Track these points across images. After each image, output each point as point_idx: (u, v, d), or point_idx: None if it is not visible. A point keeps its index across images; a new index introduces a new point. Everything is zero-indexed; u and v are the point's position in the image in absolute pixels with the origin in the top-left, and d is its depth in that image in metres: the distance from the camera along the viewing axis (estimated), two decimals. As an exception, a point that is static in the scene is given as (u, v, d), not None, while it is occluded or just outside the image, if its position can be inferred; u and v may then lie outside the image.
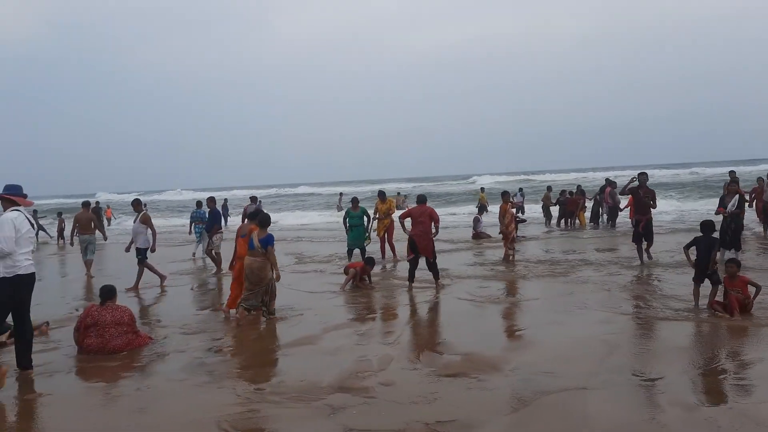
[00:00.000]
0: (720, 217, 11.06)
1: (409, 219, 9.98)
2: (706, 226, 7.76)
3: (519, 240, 15.04)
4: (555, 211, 21.62)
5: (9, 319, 6.14)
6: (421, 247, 9.63)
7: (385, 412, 4.54)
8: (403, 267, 11.97)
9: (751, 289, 7.14)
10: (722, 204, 11.42)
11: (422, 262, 9.81)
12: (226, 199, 32.32)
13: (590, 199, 21.05)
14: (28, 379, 5.69)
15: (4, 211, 5.86)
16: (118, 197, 67.06)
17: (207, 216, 13.69)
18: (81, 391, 5.49)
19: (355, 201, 13.48)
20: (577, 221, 20.42)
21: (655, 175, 40.84)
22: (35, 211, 26.82)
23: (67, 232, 21.12)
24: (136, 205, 11.56)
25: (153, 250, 10.94)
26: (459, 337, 6.71)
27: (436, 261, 9.85)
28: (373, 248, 13.49)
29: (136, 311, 8.63)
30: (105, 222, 28.21)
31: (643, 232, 11.03)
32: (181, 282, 11.63)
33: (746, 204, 12.54)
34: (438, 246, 10.37)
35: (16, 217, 5.73)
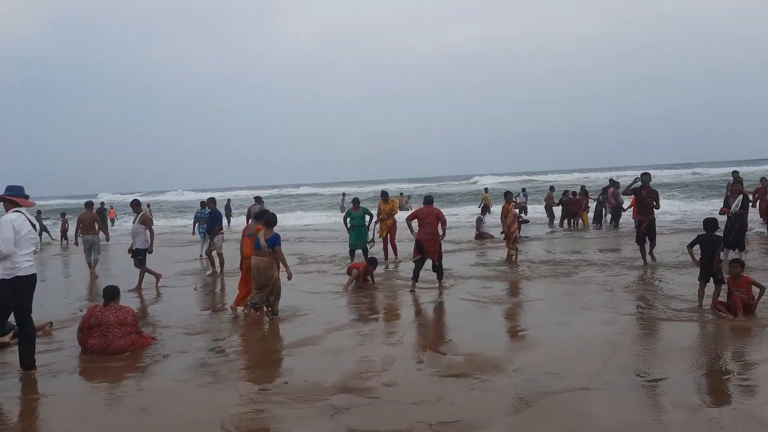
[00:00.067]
0: (724, 217, 11.03)
1: (415, 220, 9.96)
2: (709, 224, 7.75)
3: (522, 240, 15.03)
4: (558, 211, 21.59)
5: (13, 319, 6.15)
6: (428, 250, 9.63)
7: (388, 412, 4.54)
8: (406, 267, 11.98)
9: (755, 290, 7.12)
10: (726, 204, 11.39)
11: (428, 262, 9.81)
12: (229, 200, 32.34)
13: (593, 200, 21.03)
14: (32, 379, 5.70)
15: (6, 212, 5.83)
16: (120, 197, 67.14)
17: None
18: (84, 392, 5.50)
19: (356, 202, 13.48)
20: (581, 222, 20.40)
21: (658, 176, 40.75)
22: (39, 212, 26.86)
23: (70, 233, 21.21)
24: (135, 205, 11.58)
25: (150, 251, 10.96)
26: (462, 337, 6.71)
27: (442, 262, 9.85)
28: (375, 249, 13.49)
29: (139, 312, 8.65)
30: (109, 223, 28.22)
31: (645, 232, 11.02)
32: (184, 282, 11.64)
33: (750, 204, 12.50)
34: (442, 246, 10.35)
35: (15, 218, 5.68)
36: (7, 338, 6.79)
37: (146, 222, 11.03)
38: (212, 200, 13.40)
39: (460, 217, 27.39)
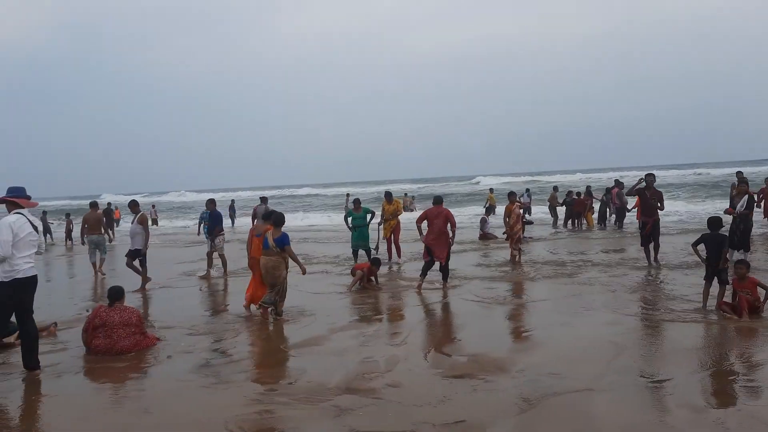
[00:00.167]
0: (729, 218, 11.00)
1: (425, 222, 9.89)
2: (713, 222, 7.73)
3: (526, 241, 15.01)
4: (561, 211, 21.55)
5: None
6: (437, 254, 9.60)
7: (392, 413, 4.54)
8: (409, 268, 11.99)
9: (761, 291, 7.09)
10: (732, 205, 11.35)
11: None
12: (233, 200, 32.42)
13: (597, 200, 21.00)
14: (35, 379, 5.72)
15: (9, 213, 5.82)
16: (124, 198, 67.32)
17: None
18: (89, 392, 5.51)
19: (356, 202, 13.49)
20: (584, 222, 20.37)
21: (661, 176, 40.66)
22: (44, 212, 26.95)
23: (75, 233, 21.28)
24: (133, 206, 11.60)
25: (143, 253, 10.97)
26: (466, 338, 6.71)
27: (449, 264, 9.85)
28: (379, 249, 13.49)
29: (143, 312, 8.68)
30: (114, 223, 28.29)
31: (649, 233, 10.99)
32: (189, 283, 11.66)
33: (755, 205, 12.46)
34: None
35: (15, 220, 5.65)
36: (12, 338, 6.81)
37: (143, 222, 11.07)
38: (212, 201, 13.38)
39: (463, 217, 27.37)
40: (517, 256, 12.39)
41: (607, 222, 20.39)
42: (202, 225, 15.45)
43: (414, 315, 8.13)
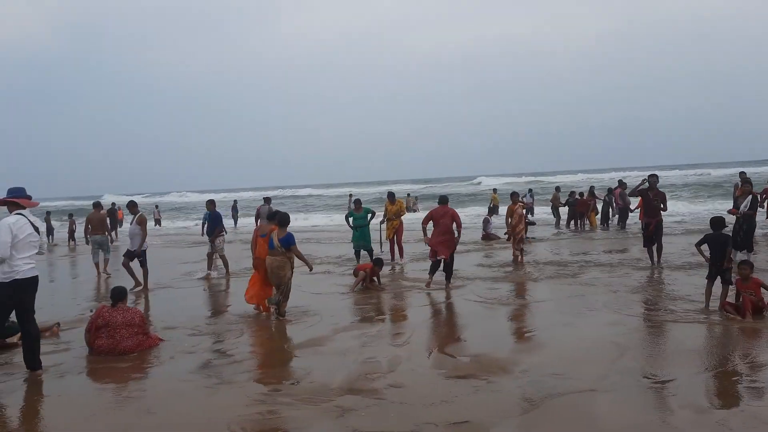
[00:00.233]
0: (732, 218, 10.97)
1: (430, 222, 9.86)
2: (716, 222, 7.71)
3: (528, 241, 15.00)
4: (564, 211, 21.53)
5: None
6: (441, 251, 9.60)
7: (394, 413, 4.54)
8: (411, 268, 11.99)
9: (764, 292, 7.07)
10: (735, 205, 11.32)
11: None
12: (235, 201, 32.43)
13: (600, 200, 20.97)
14: (38, 380, 5.73)
15: (10, 214, 5.81)
16: (126, 198, 67.40)
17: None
18: (91, 392, 5.51)
19: (357, 203, 13.52)
20: (587, 223, 20.34)
21: (663, 176, 40.59)
22: (48, 212, 26.99)
23: (78, 234, 21.31)
24: (132, 207, 11.62)
25: (138, 254, 10.96)
26: (468, 338, 6.71)
27: (453, 263, 9.84)
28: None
29: (146, 313, 8.69)
30: (118, 223, 28.32)
31: (652, 234, 10.97)
32: (192, 283, 11.68)
33: (758, 205, 12.42)
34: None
35: (14, 221, 5.64)
36: (15, 339, 6.83)
37: (142, 223, 11.09)
38: (212, 202, 13.37)
39: (465, 218, 27.31)
40: (520, 257, 12.38)
41: (609, 222, 20.37)
42: (205, 225, 15.50)
43: (416, 315, 8.13)
